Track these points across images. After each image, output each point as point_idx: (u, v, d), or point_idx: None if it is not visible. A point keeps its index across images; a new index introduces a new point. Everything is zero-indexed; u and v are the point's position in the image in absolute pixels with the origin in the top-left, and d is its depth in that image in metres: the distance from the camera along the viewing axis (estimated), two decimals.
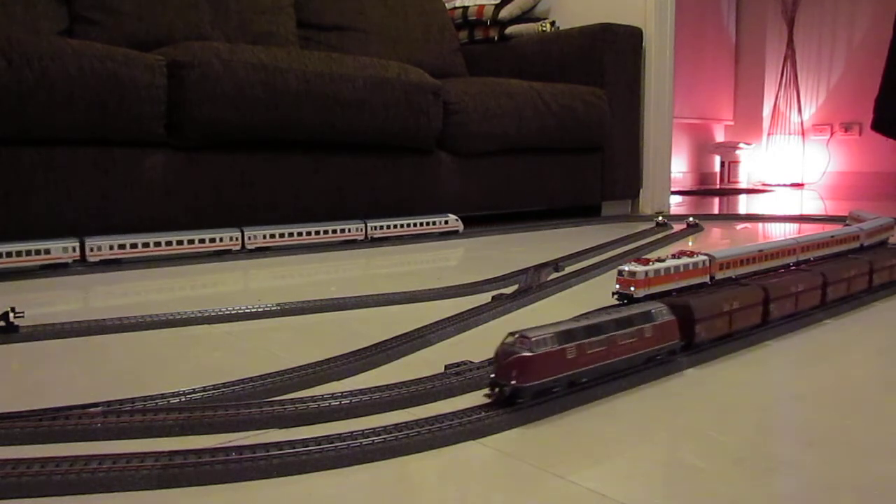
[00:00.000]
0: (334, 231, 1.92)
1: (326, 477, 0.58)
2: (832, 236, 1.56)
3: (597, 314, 0.79)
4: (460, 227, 2.17)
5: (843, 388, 0.80)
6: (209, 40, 2.02)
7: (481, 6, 3.03)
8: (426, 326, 1.01)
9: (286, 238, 1.83)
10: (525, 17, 3.01)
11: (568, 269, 1.54)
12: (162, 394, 0.74)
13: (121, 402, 0.71)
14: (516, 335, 0.70)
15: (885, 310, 1.18)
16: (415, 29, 2.81)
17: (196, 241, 1.69)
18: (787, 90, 5.37)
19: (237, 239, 1.76)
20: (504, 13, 2.98)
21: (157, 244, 1.63)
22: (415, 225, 2.08)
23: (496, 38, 3.03)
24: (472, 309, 1.12)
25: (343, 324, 1.09)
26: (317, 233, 1.88)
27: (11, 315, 0.98)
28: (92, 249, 1.55)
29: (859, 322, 1.10)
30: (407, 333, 0.97)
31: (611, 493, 0.55)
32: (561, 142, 2.57)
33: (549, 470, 0.59)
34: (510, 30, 3.00)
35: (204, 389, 0.75)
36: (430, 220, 2.12)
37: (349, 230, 1.94)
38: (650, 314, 0.81)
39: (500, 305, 1.15)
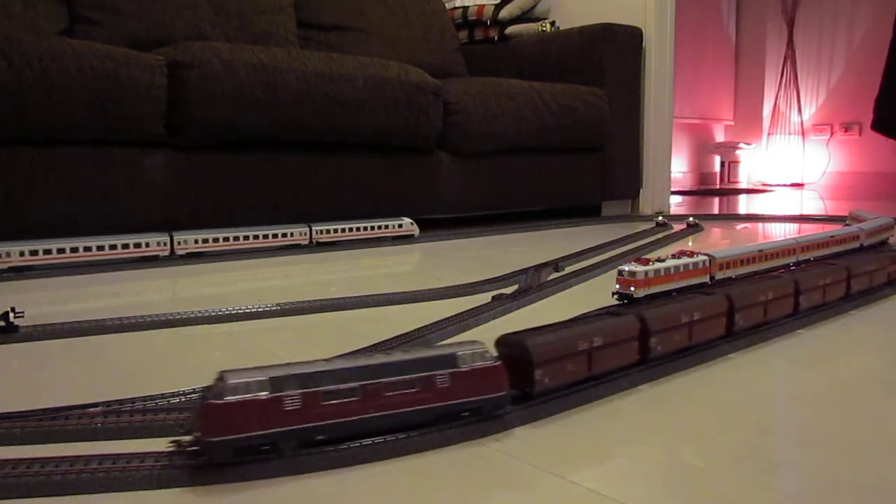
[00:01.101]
0: (275, 235, 1.80)
1: (327, 477, 0.58)
2: (832, 236, 1.56)
3: (365, 356, 0.63)
4: (416, 231, 2.05)
5: (843, 388, 0.80)
6: (209, 40, 2.02)
7: (481, 6, 3.03)
8: (426, 326, 1.01)
9: (220, 243, 1.70)
10: (525, 17, 3.01)
11: (568, 269, 1.54)
12: (162, 394, 0.74)
13: (121, 402, 0.71)
14: (219, 375, 0.57)
15: (884, 309, 1.18)
16: (415, 29, 2.81)
17: (119, 247, 1.57)
18: (787, 90, 5.37)
19: (166, 244, 1.63)
20: (504, 13, 2.98)
21: (74, 250, 1.52)
22: (365, 229, 1.96)
23: (496, 38, 3.03)
24: (472, 309, 1.12)
25: (343, 324, 1.09)
26: (256, 237, 1.76)
27: (11, 315, 0.97)
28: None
29: (859, 322, 1.10)
30: (407, 333, 0.97)
31: (611, 493, 0.55)
32: (561, 142, 2.57)
33: (549, 470, 0.59)
34: (510, 30, 3.00)
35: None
36: (383, 223, 2.00)
37: (292, 234, 1.82)
38: (453, 358, 0.64)
39: (500, 305, 1.15)
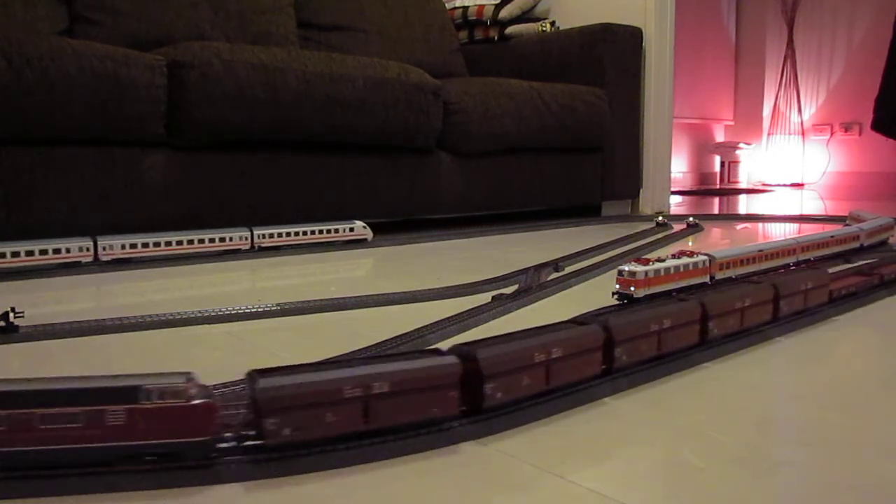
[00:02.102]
0: (211, 240, 1.68)
1: (327, 477, 0.58)
2: (832, 236, 1.56)
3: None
4: (369, 235, 1.94)
5: (842, 388, 0.80)
6: (209, 40, 2.02)
7: (481, 6, 3.03)
8: (426, 326, 1.01)
9: (150, 248, 1.59)
10: (525, 17, 3.01)
11: (568, 269, 1.54)
12: None
13: None
14: None
15: (884, 309, 1.18)
16: (415, 29, 2.81)
17: (37, 253, 1.47)
18: (787, 90, 5.37)
19: (88, 249, 1.53)
20: (504, 13, 2.98)
21: None
22: (312, 233, 1.84)
23: (496, 38, 3.03)
24: (472, 309, 1.12)
25: (343, 324, 1.09)
26: (190, 242, 1.64)
27: (11, 315, 0.98)
28: None
29: (859, 322, 1.10)
30: (407, 333, 0.97)
31: (611, 493, 0.55)
32: (561, 142, 2.57)
33: (549, 470, 0.59)
34: (510, 30, 3.00)
35: None
36: (332, 227, 1.88)
37: (231, 239, 1.70)
38: (135, 391, 0.54)
39: (500, 305, 1.15)
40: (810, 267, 1.02)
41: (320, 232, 1.85)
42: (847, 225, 1.92)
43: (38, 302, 1.26)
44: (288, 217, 1.93)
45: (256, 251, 1.74)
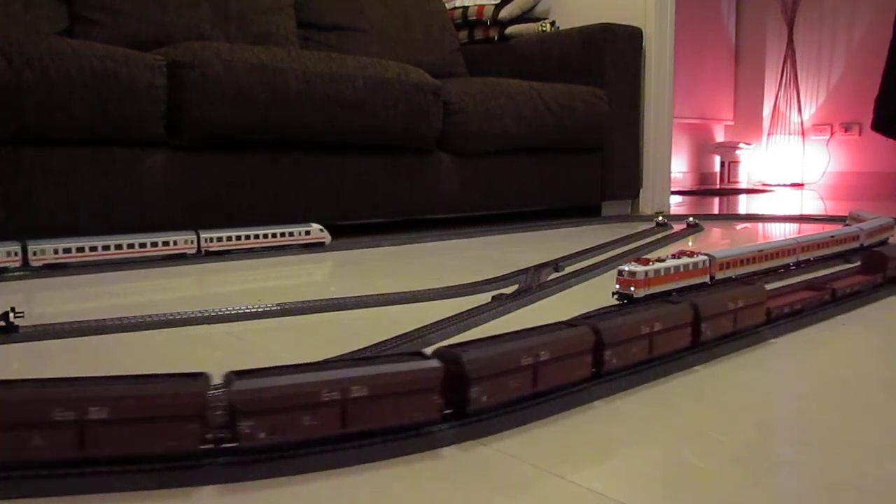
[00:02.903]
0: (154, 244, 1.58)
1: (327, 477, 0.58)
2: (832, 236, 1.56)
3: None
4: (327, 238, 1.84)
5: (842, 388, 0.80)
6: (209, 40, 2.02)
7: (481, 6, 3.03)
8: (426, 326, 1.01)
9: (85, 253, 1.49)
10: (525, 17, 3.01)
11: (568, 269, 1.54)
12: None
13: None
14: None
15: (884, 310, 1.18)
16: (415, 29, 2.81)
17: None
18: (787, 90, 5.37)
19: (16, 254, 1.44)
20: (504, 13, 2.98)
21: None
22: (265, 236, 1.75)
23: (496, 38, 3.03)
24: (472, 309, 1.12)
25: (343, 324, 1.09)
26: (131, 246, 1.55)
27: (11, 315, 0.98)
28: None
29: (859, 322, 1.10)
30: (407, 333, 0.97)
31: (611, 493, 0.55)
32: (561, 142, 2.57)
33: (549, 470, 0.59)
34: (510, 30, 3.00)
35: None
36: (286, 230, 1.78)
37: (175, 243, 1.61)
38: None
39: (500, 305, 1.15)
40: (744, 283, 0.90)
41: (273, 235, 1.76)
42: (847, 225, 1.92)
43: (44, 301, 1.26)
44: (288, 217, 1.93)
45: (203, 256, 1.65)
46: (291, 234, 1.79)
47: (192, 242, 1.64)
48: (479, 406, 0.64)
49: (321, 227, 1.84)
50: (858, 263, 1.32)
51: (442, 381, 0.62)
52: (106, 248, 1.53)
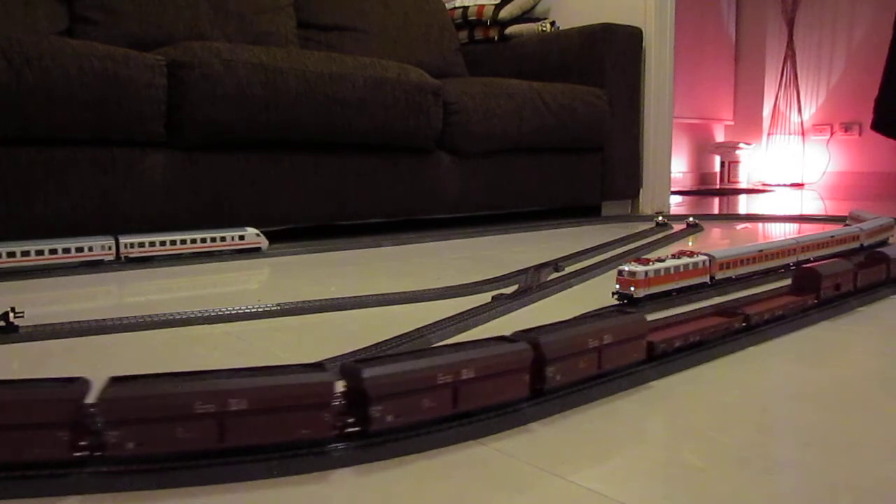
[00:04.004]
0: (66, 251, 1.47)
1: (326, 477, 0.58)
2: (832, 236, 1.56)
3: None
4: (264, 243, 1.74)
5: (842, 388, 0.80)
6: (209, 40, 2.02)
7: (481, 6, 3.03)
8: (426, 326, 1.01)
9: None
10: (525, 17, 3.01)
11: (568, 269, 1.54)
12: None
13: None
14: None
15: (884, 310, 1.18)
16: (415, 29, 2.81)
17: None
18: (787, 90, 5.37)
19: None
20: (504, 13, 2.98)
21: None
22: (193, 241, 1.64)
23: (496, 38, 3.03)
24: (472, 309, 1.12)
25: (343, 324, 1.09)
26: (39, 252, 1.44)
27: (11, 315, 0.98)
28: None
29: (859, 322, 1.10)
30: (407, 333, 0.97)
31: (611, 493, 0.55)
32: (561, 142, 2.57)
33: (549, 470, 0.59)
34: (510, 30, 3.00)
35: None
36: (218, 235, 1.68)
37: (91, 249, 1.50)
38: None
39: (500, 305, 1.15)
40: (622, 313, 0.79)
41: (203, 240, 1.65)
42: (847, 225, 1.92)
43: (44, 301, 1.26)
44: (288, 217, 1.93)
45: (123, 262, 1.55)
46: (223, 238, 1.68)
47: (109, 248, 1.54)
48: (382, 426, 0.60)
49: (257, 231, 1.75)
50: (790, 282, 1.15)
51: (330, 400, 0.58)
52: (11, 254, 1.43)
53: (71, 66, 1.58)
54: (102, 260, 1.53)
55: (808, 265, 1.11)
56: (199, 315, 1.09)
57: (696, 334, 0.88)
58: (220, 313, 1.10)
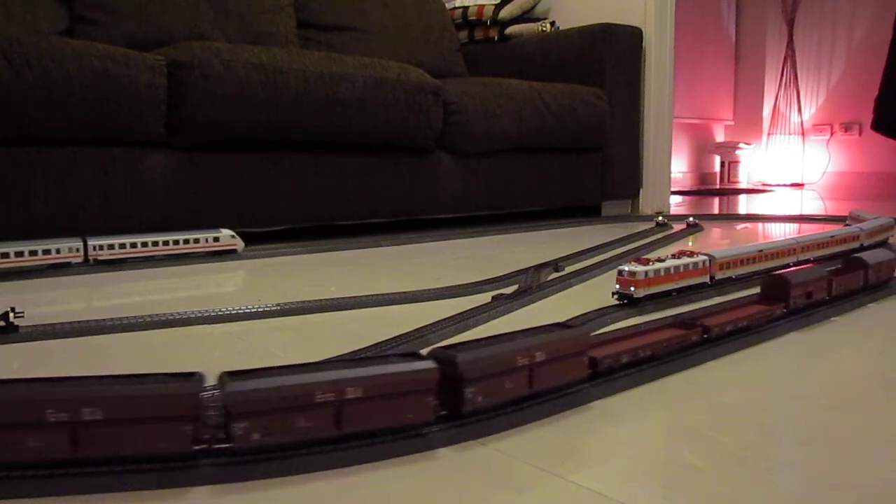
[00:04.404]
0: (32, 253, 1.42)
1: (326, 477, 0.58)
2: (832, 236, 1.56)
3: None
4: (239, 245, 1.69)
5: (842, 387, 0.80)
6: (209, 40, 2.02)
7: (481, 6, 3.03)
8: (426, 326, 1.01)
9: None
10: (525, 17, 3.01)
11: (568, 269, 1.54)
12: None
13: None
14: None
15: (884, 310, 1.18)
16: (415, 29, 2.81)
17: None
18: (787, 90, 5.37)
19: None
20: (504, 13, 2.98)
21: None
22: (165, 243, 1.59)
23: (496, 38, 3.03)
24: (472, 309, 1.12)
25: (343, 324, 1.09)
26: (4, 255, 1.39)
27: (11, 315, 0.98)
28: None
29: (859, 322, 1.10)
30: (407, 333, 0.97)
31: (611, 493, 0.55)
32: (561, 142, 2.57)
33: (549, 470, 0.59)
34: (510, 30, 3.00)
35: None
36: (191, 236, 1.62)
37: (58, 251, 1.45)
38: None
39: (500, 305, 1.15)
40: (561, 327, 0.72)
41: (175, 242, 1.60)
42: (847, 225, 1.92)
43: (44, 301, 1.26)
44: (288, 218, 1.93)
45: (92, 265, 1.50)
46: (197, 240, 1.63)
47: (77, 251, 1.48)
48: (250, 444, 0.57)
49: (232, 232, 1.70)
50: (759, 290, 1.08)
51: (191, 411, 0.56)
52: None
53: (71, 66, 1.58)
54: (70, 263, 1.48)
55: (777, 272, 1.04)
56: (199, 315, 1.09)
57: (646, 349, 0.81)
58: (219, 313, 1.10)
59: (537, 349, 0.68)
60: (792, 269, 1.07)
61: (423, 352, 0.66)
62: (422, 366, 0.62)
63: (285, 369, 0.59)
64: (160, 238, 1.59)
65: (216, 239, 1.66)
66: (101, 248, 1.52)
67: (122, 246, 1.54)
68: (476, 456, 0.62)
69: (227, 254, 1.68)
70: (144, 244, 1.56)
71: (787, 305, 1.02)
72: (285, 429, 0.57)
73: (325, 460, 0.59)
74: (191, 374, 0.57)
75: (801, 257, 1.46)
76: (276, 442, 0.57)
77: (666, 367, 0.83)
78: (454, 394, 0.64)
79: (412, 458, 0.61)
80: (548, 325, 0.73)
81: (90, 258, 1.50)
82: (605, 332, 0.87)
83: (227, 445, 0.57)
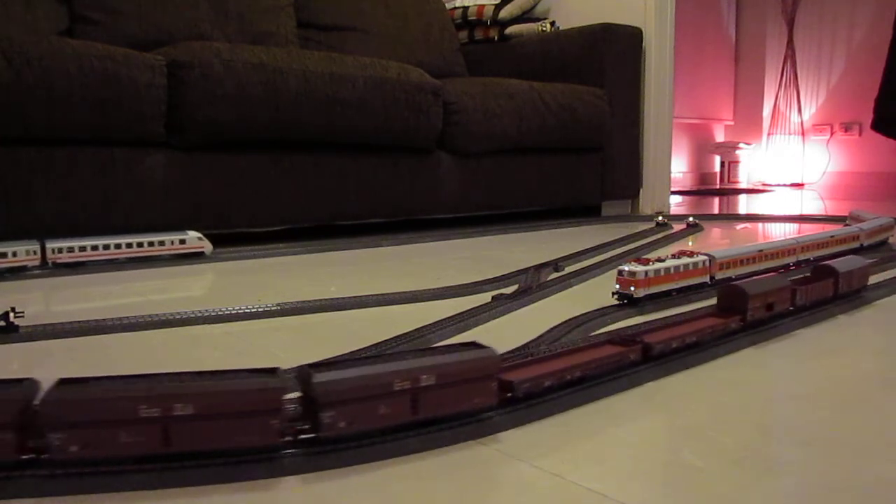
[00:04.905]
0: None
1: (327, 477, 0.58)
2: (832, 236, 1.56)
3: None
4: (207, 247, 1.63)
5: (842, 388, 0.80)
6: (209, 40, 2.02)
7: (481, 6, 3.03)
8: (426, 326, 1.01)
9: None
10: (525, 17, 3.01)
11: (568, 269, 1.54)
12: None
13: None
14: None
15: (884, 310, 1.18)
16: (415, 29, 2.81)
17: None
18: (787, 90, 5.37)
19: None
20: (504, 13, 2.98)
21: None
22: (129, 246, 1.53)
23: (496, 38, 3.03)
24: (472, 309, 1.12)
25: (343, 324, 1.09)
26: None
27: (11, 315, 0.98)
28: None
29: (858, 322, 1.10)
30: (407, 333, 0.97)
31: (611, 493, 0.55)
32: (561, 142, 2.57)
33: (549, 470, 0.59)
34: (510, 30, 3.00)
35: None
36: (156, 239, 1.57)
37: (15, 254, 1.40)
38: None
39: (500, 305, 1.15)
40: (467, 347, 0.65)
41: (139, 245, 1.54)
42: (847, 225, 1.92)
43: (44, 301, 1.26)
44: (288, 218, 1.93)
45: (51, 268, 1.45)
46: (162, 243, 1.57)
47: (34, 253, 1.43)
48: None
49: (199, 234, 1.64)
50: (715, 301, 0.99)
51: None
52: None
53: (71, 66, 1.58)
54: (26, 266, 1.43)
55: (734, 283, 0.96)
56: (199, 315, 1.09)
57: (575, 370, 0.73)
58: (219, 313, 1.10)
59: (423, 372, 0.61)
60: (753, 278, 0.99)
61: (283, 370, 0.61)
62: (249, 385, 0.56)
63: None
64: (123, 240, 1.54)
65: (182, 241, 1.61)
66: (59, 250, 1.46)
67: (83, 248, 1.48)
68: (476, 456, 0.62)
69: (195, 256, 1.63)
70: (106, 246, 1.51)
71: (744, 319, 0.94)
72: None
73: (325, 460, 0.59)
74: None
75: (801, 257, 1.46)
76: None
77: (666, 367, 0.83)
78: (311, 417, 0.59)
79: (417, 456, 0.61)
80: (455, 345, 0.66)
81: (49, 261, 1.45)
82: (529, 355, 0.79)
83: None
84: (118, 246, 1.53)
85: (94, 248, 1.50)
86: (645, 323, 1.05)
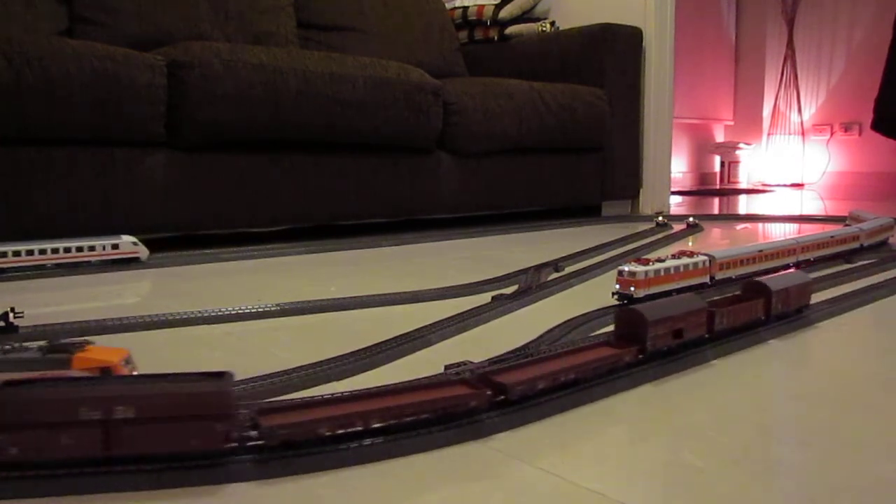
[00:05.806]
0: None
1: (326, 477, 0.58)
2: (832, 236, 1.56)
3: None
4: (143, 253, 1.55)
5: (842, 388, 0.80)
6: (209, 40, 2.02)
7: (481, 6, 3.03)
8: (426, 326, 1.01)
9: None
10: (525, 17, 3.01)
11: (568, 269, 1.54)
12: None
13: None
14: None
15: (884, 310, 1.18)
16: (415, 29, 2.81)
17: None
18: (787, 90, 5.37)
19: None
20: (504, 13, 2.98)
21: None
22: (55, 251, 1.44)
23: (496, 38, 3.03)
24: (472, 309, 1.12)
25: (343, 324, 1.09)
26: None
27: (11, 315, 0.98)
28: None
29: (858, 322, 1.10)
30: (407, 333, 0.97)
31: (611, 493, 0.55)
32: (561, 142, 2.57)
33: (548, 470, 0.59)
34: (510, 30, 3.00)
35: None
36: (87, 244, 1.49)
37: None
38: None
39: (500, 305, 1.15)
40: (203, 377, 0.58)
41: (67, 250, 1.45)
42: (847, 225, 1.92)
43: (44, 301, 1.26)
44: (288, 218, 1.93)
45: None
46: (93, 248, 1.49)
47: None
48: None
49: (134, 239, 1.56)
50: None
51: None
52: None
53: (71, 66, 1.58)
54: None
55: (632, 307, 0.80)
56: (200, 315, 1.09)
57: (374, 417, 0.60)
58: (220, 313, 1.10)
59: (119, 402, 0.53)
60: (659, 300, 0.85)
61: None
62: None
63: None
64: (49, 245, 1.45)
65: (115, 246, 1.53)
66: None
67: (3, 255, 1.38)
68: (475, 455, 0.62)
69: (129, 262, 1.55)
70: (30, 252, 1.41)
71: (644, 349, 0.79)
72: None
73: (324, 460, 0.59)
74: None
75: (802, 257, 1.46)
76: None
77: (666, 368, 0.82)
78: None
79: (417, 456, 0.61)
80: (190, 374, 0.58)
81: None
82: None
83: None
84: (43, 251, 1.43)
85: (17, 253, 1.40)
86: (524, 349, 0.88)
